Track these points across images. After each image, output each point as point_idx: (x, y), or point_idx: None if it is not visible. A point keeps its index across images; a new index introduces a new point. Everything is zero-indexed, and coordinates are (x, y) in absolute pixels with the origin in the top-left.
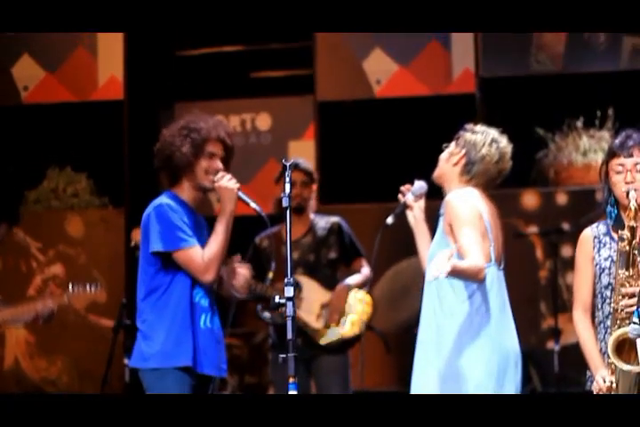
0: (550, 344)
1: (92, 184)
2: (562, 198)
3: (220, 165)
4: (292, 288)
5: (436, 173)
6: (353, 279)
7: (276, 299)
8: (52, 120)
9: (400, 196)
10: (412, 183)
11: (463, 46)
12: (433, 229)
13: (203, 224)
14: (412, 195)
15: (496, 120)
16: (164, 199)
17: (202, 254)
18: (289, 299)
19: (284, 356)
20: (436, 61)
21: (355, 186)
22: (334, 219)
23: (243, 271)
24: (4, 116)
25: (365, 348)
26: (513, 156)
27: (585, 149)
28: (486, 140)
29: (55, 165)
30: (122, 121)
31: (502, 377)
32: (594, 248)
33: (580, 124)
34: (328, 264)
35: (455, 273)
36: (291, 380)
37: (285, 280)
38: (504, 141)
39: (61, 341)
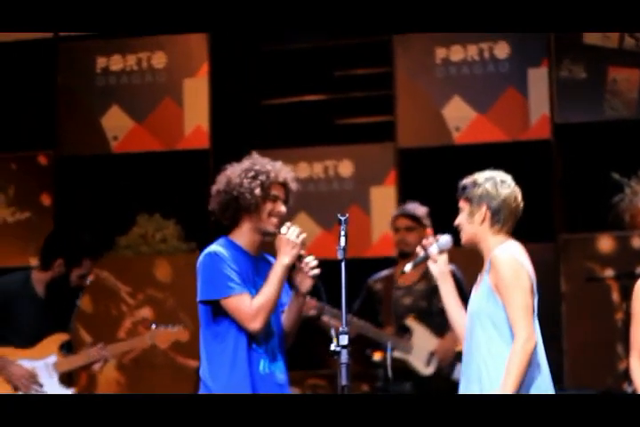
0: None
1: (180, 230)
2: (637, 242)
3: (283, 208)
4: (346, 337)
5: (466, 238)
6: None
7: (332, 347)
8: (141, 168)
9: (419, 249)
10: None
11: (540, 92)
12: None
13: (262, 268)
14: (438, 248)
15: (572, 166)
16: (214, 247)
17: (249, 303)
18: (344, 347)
19: None
20: (513, 108)
21: (434, 231)
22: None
23: (310, 275)
24: (96, 165)
25: None
26: (590, 200)
27: None
28: (496, 184)
29: (144, 211)
30: (208, 169)
31: None
32: None
33: None
34: (439, 312)
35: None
36: None
37: (340, 329)
38: (508, 178)
39: (151, 381)
